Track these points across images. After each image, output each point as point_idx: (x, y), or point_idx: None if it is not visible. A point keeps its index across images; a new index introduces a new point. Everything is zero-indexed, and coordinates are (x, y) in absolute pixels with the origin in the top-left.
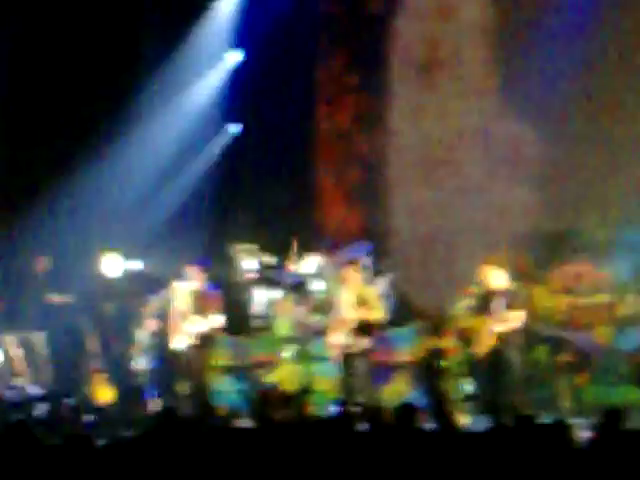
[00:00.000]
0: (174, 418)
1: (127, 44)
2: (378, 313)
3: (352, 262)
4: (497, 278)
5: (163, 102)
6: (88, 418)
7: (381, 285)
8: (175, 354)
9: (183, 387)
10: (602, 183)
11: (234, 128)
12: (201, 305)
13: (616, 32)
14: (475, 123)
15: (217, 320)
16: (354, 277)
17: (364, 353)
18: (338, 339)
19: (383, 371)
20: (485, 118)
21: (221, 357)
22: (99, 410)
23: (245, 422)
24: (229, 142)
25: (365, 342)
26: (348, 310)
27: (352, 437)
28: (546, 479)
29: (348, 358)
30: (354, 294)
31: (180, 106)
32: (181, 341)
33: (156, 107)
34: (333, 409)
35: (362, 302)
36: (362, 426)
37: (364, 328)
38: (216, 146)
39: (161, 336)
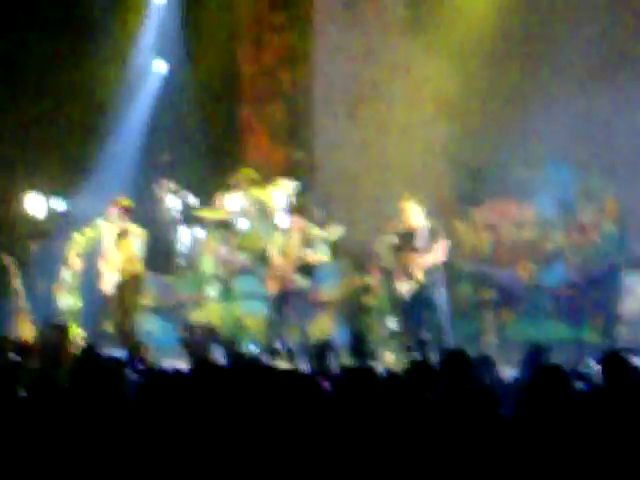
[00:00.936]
0: (96, 357)
1: None
2: (322, 254)
3: (292, 203)
4: (419, 215)
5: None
6: (12, 356)
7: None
8: (101, 293)
9: (109, 326)
10: (527, 120)
11: (161, 66)
12: (126, 242)
13: None
14: (399, 60)
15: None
16: (296, 218)
17: (303, 291)
18: (278, 271)
19: (309, 308)
20: (409, 55)
21: (147, 297)
22: (23, 348)
23: (172, 362)
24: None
25: (305, 281)
26: (292, 248)
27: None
28: (471, 417)
29: (286, 295)
30: (296, 233)
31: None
32: (109, 279)
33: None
34: (253, 348)
35: (307, 243)
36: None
37: (308, 268)
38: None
39: (85, 275)
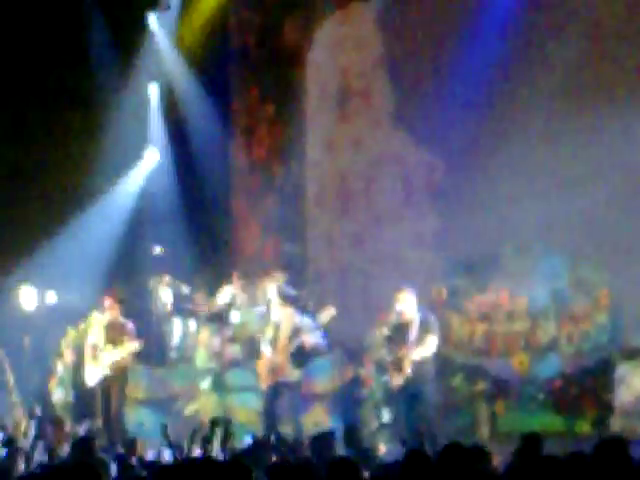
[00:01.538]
0: (91, 449)
1: None
2: (317, 345)
3: (285, 296)
4: (412, 306)
5: None
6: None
7: (323, 319)
8: (89, 386)
9: (99, 419)
10: (517, 211)
11: (153, 155)
12: (115, 336)
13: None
14: (389, 153)
15: (131, 346)
16: (287, 309)
17: (295, 385)
18: (269, 365)
19: (303, 401)
20: (398, 148)
21: (139, 389)
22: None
23: (165, 454)
24: (147, 171)
25: (297, 374)
26: (284, 341)
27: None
28: None
29: (278, 388)
30: (287, 323)
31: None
32: (95, 373)
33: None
34: (249, 440)
35: (297, 332)
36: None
37: (300, 360)
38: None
39: (77, 368)
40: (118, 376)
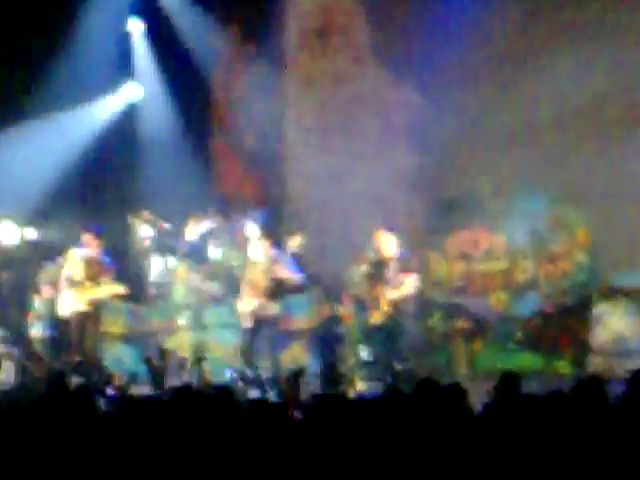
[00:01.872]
0: (65, 384)
1: None
2: (292, 276)
3: (261, 231)
4: (391, 245)
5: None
6: None
7: (291, 247)
8: (64, 321)
9: (73, 354)
10: (497, 150)
11: (134, 90)
12: (94, 272)
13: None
14: (370, 90)
15: (117, 288)
16: (263, 245)
17: (274, 319)
18: (249, 304)
19: (281, 338)
20: (380, 85)
21: (117, 324)
22: None
23: (143, 389)
24: (128, 107)
25: (275, 308)
26: (260, 275)
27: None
28: (442, 443)
29: (257, 324)
30: (265, 261)
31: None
32: (69, 306)
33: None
34: (229, 374)
35: (271, 266)
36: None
37: (278, 292)
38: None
39: (54, 303)
40: (93, 312)
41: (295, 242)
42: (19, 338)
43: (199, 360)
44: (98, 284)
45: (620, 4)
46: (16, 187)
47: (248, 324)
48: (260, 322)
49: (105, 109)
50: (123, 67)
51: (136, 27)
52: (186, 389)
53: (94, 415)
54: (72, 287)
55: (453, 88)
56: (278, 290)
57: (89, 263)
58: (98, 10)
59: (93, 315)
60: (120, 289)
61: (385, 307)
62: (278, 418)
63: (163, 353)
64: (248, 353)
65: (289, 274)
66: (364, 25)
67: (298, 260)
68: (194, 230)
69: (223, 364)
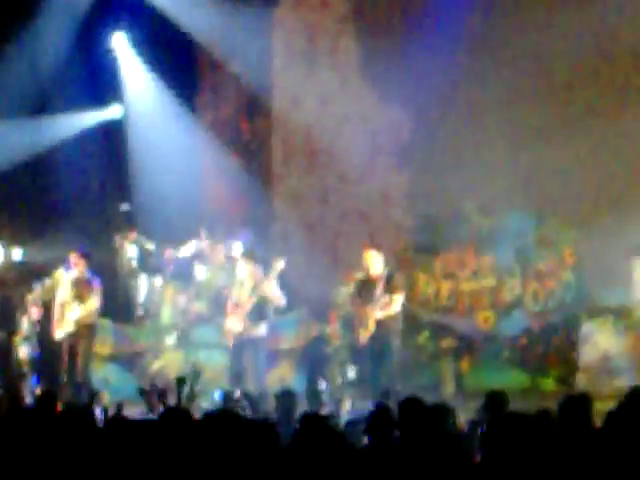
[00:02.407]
0: (53, 404)
1: None
2: (276, 297)
3: (246, 251)
4: (378, 264)
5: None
6: None
7: (276, 269)
8: (55, 342)
9: (63, 375)
10: (484, 169)
11: (115, 110)
12: (81, 293)
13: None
14: (355, 111)
15: (92, 304)
16: (248, 265)
17: (260, 339)
18: (234, 325)
19: (269, 357)
20: (365, 106)
21: (105, 345)
22: None
23: (131, 410)
24: (112, 127)
25: (262, 328)
26: (245, 295)
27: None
28: (426, 462)
29: (243, 344)
30: (250, 280)
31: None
32: (62, 329)
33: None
34: (218, 396)
35: (257, 287)
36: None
37: (261, 313)
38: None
39: (42, 324)
40: (85, 333)
41: (277, 267)
42: (3, 361)
43: (195, 377)
44: (85, 304)
45: None
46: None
47: (234, 344)
48: (246, 342)
49: (84, 124)
50: (107, 84)
51: (120, 41)
52: (177, 410)
53: (84, 435)
54: (63, 309)
55: (439, 108)
56: (263, 310)
57: (76, 283)
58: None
59: (86, 337)
60: (95, 305)
61: (372, 326)
62: (267, 437)
63: (195, 373)
64: (235, 373)
65: (274, 294)
66: (350, 45)
67: (283, 282)
68: (182, 251)
69: (211, 384)
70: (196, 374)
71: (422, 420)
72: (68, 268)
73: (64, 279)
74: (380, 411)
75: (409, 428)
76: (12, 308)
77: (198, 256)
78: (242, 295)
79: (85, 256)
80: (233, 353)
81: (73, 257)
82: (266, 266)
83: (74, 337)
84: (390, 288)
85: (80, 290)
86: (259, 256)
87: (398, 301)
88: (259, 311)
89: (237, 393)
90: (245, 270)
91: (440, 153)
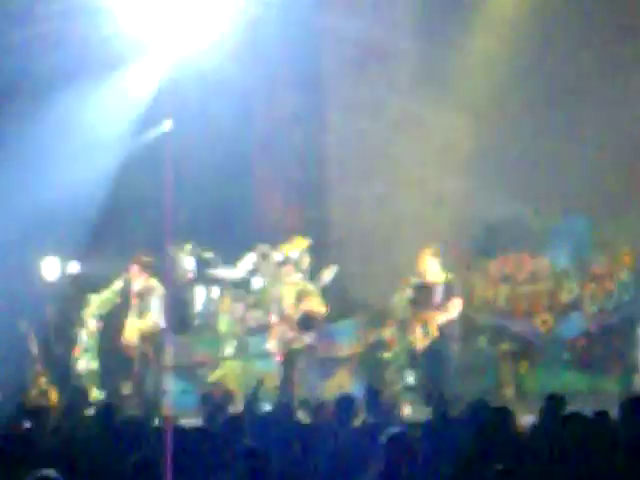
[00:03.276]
0: (114, 416)
1: None
2: (318, 307)
3: (290, 259)
4: (435, 269)
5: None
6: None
7: (324, 279)
8: (115, 354)
9: (127, 387)
10: (540, 172)
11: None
12: (145, 304)
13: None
14: (410, 114)
15: (155, 315)
16: (291, 274)
17: (307, 349)
18: (280, 335)
19: (326, 366)
20: (420, 109)
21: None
22: (43, 412)
23: (191, 421)
24: (164, 140)
25: (308, 338)
26: (288, 306)
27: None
28: (491, 463)
29: (290, 354)
30: (293, 290)
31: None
32: (126, 341)
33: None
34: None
35: (301, 298)
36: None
37: (306, 323)
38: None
39: (104, 336)
40: (151, 343)
41: (328, 275)
42: (63, 376)
43: (258, 387)
44: (148, 315)
45: None
46: (55, 222)
47: (279, 351)
48: (294, 353)
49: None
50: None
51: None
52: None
53: (141, 446)
54: (127, 320)
55: (496, 110)
56: (307, 322)
57: (139, 295)
58: None
59: (153, 347)
60: (159, 322)
61: (430, 331)
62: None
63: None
64: (286, 382)
65: (317, 306)
66: (401, 52)
67: (337, 289)
68: (240, 263)
69: (268, 393)
70: (258, 384)
71: (487, 423)
72: (131, 280)
73: (125, 291)
74: (439, 416)
75: (473, 431)
76: (70, 322)
77: (253, 266)
78: (289, 304)
79: (149, 264)
80: (282, 365)
81: (137, 265)
82: (315, 278)
83: (141, 348)
84: (447, 292)
85: (143, 301)
86: (313, 264)
87: (456, 304)
88: (306, 320)
89: (290, 402)
90: (292, 279)
91: (495, 155)
